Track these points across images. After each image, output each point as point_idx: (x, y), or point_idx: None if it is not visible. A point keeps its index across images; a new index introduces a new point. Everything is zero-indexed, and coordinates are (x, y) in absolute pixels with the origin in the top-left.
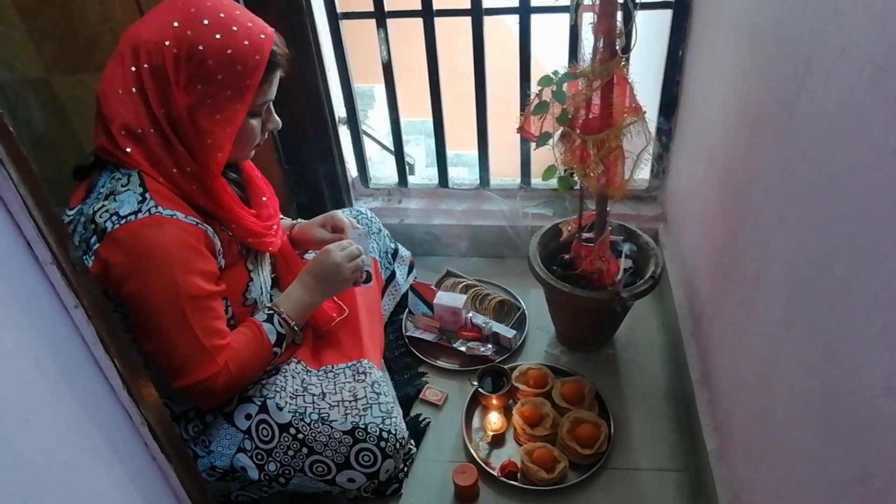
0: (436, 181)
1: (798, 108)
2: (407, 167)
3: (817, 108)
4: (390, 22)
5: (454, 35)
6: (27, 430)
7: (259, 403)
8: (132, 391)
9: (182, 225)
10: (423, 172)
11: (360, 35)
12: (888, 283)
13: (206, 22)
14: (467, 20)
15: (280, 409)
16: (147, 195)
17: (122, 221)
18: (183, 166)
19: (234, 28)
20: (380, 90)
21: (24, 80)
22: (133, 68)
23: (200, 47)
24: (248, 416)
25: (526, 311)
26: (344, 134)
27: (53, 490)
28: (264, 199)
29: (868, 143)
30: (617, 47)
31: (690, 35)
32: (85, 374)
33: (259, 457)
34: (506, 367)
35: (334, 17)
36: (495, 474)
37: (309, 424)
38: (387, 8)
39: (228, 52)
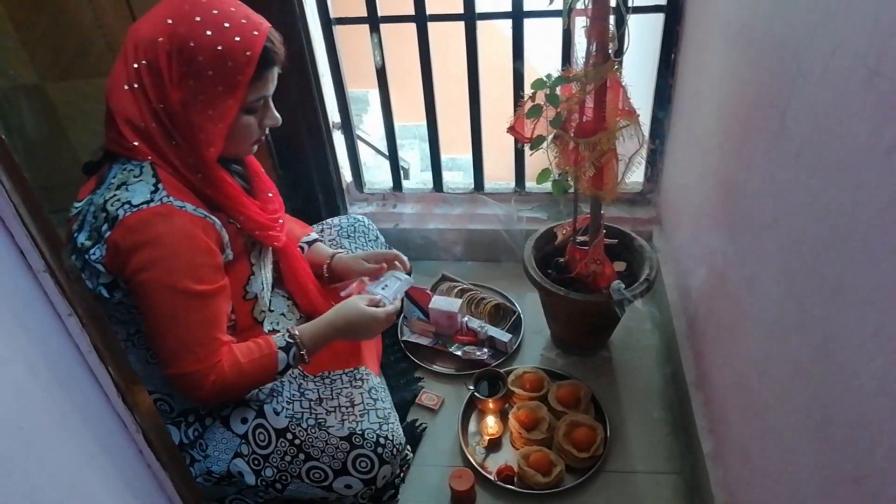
0: (430, 185)
1: (790, 110)
2: (401, 172)
3: (809, 110)
4: (384, 27)
5: (448, 40)
6: (21, 439)
7: (256, 408)
8: (127, 399)
9: (191, 217)
10: (418, 177)
11: (353, 40)
12: (881, 284)
13: (198, 19)
14: (460, 25)
15: (277, 413)
16: (160, 185)
17: (135, 209)
18: (185, 159)
19: (226, 24)
20: (374, 95)
21: (16, 86)
22: (134, 65)
23: (191, 44)
24: (245, 421)
25: (521, 315)
26: (338, 139)
27: (48, 499)
28: (270, 195)
29: (860, 144)
30: (610, 51)
31: (683, 38)
32: (79, 382)
33: (256, 462)
34: (502, 370)
35: (327, 23)
36: (492, 478)
37: (306, 430)
38: (380, 13)
39: (219, 48)
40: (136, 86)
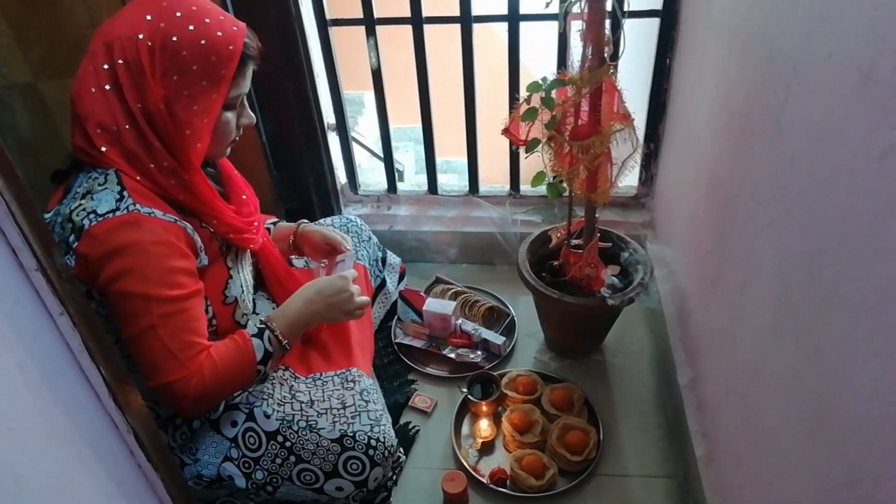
0: (425, 188)
1: (785, 115)
2: (396, 174)
3: (804, 115)
4: (380, 29)
5: (443, 42)
6: (11, 439)
7: (246, 411)
8: (118, 399)
9: (160, 222)
10: (413, 179)
11: (349, 42)
12: (875, 288)
13: (178, 14)
14: (456, 27)
15: (267, 416)
16: (125, 193)
17: (100, 219)
18: (160, 162)
19: (207, 20)
20: (369, 97)
21: (10, 85)
22: (106, 65)
23: (174, 38)
24: (235, 424)
25: (515, 318)
26: (333, 140)
27: (38, 499)
28: (244, 197)
29: (854, 148)
30: (605, 55)
31: (678, 43)
32: (70, 382)
33: (246, 465)
34: (495, 373)
35: (323, 24)
36: (484, 481)
37: (297, 432)
38: (376, 15)
39: (202, 42)
40: (107, 87)
